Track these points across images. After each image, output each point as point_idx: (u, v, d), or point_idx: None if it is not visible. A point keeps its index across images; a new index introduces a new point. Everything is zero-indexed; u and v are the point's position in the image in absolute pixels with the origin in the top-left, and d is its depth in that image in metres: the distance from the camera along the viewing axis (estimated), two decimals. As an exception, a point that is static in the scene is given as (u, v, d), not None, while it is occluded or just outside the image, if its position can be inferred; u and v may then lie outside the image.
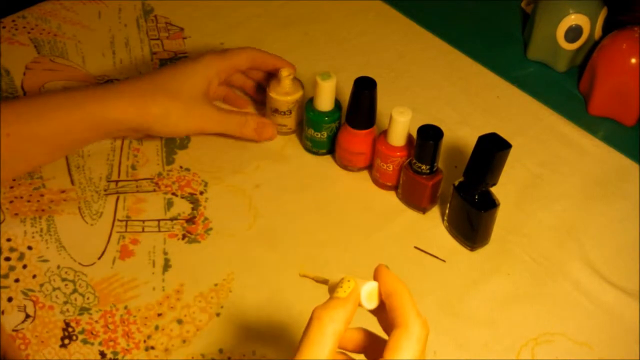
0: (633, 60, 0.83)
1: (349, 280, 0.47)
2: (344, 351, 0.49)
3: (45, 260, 0.69)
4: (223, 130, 0.79)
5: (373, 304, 0.47)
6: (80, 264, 0.69)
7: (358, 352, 0.49)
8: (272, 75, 0.82)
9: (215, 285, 0.68)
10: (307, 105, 0.79)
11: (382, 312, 0.47)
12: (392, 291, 0.46)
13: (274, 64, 0.81)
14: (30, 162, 0.73)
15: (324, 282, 0.50)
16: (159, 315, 0.66)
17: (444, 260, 0.72)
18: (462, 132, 0.84)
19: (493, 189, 0.70)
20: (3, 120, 0.66)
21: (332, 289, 0.48)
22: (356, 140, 0.77)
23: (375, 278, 0.47)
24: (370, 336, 0.49)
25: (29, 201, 0.73)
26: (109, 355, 0.63)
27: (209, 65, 0.77)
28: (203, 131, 0.78)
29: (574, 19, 0.89)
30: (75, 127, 0.71)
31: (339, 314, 0.45)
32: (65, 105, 0.70)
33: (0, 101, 0.71)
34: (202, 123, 0.77)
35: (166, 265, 0.69)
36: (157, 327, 0.65)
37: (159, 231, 0.72)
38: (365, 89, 0.73)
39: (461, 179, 0.71)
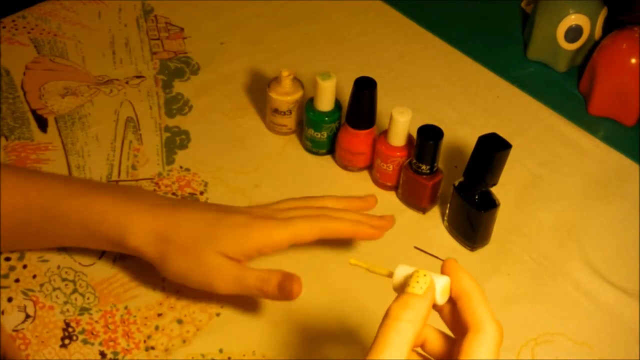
0: (633, 60, 0.83)
1: (425, 275, 0.44)
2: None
3: (45, 261, 0.68)
4: (238, 292, 0.62)
5: (445, 299, 0.45)
6: (80, 264, 0.69)
7: (419, 345, 0.48)
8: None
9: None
10: (307, 105, 0.79)
11: (446, 307, 0.46)
12: (465, 291, 0.44)
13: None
14: (38, 248, 0.69)
15: (389, 275, 0.47)
16: (159, 315, 0.66)
17: (444, 261, 0.72)
18: (462, 132, 0.84)
19: (493, 189, 0.70)
20: (20, 210, 0.62)
21: (402, 283, 0.45)
22: (356, 141, 0.77)
23: (444, 272, 0.45)
24: (435, 333, 0.47)
25: (29, 201, 0.73)
26: (109, 356, 0.63)
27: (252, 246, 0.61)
28: (211, 290, 0.63)
29: (574, 19, 0.89)
30: (88, 240, 0.64)
31: (418, 315, 0.43)
32: (82, 219, 0.62)
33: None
34: (211, 280, 0.61)
35: (166, 265, 0.69)
36: (157, 327, 0.65)
37: (159, 231, 0.72)
38: (365, 89, 0.73)
39: (461, 179, 0.71)
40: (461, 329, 0.44)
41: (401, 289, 0.45)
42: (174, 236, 0.61)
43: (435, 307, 0.46)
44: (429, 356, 0.47)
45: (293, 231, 0.62)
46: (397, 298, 0.44)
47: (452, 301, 0.45)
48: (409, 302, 0.43)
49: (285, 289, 0.60)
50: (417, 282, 0.44)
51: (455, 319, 0.45)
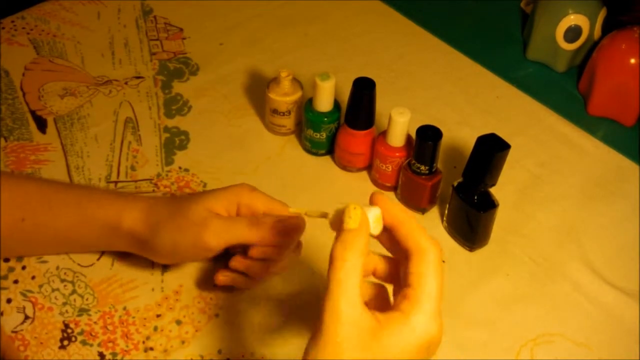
0: (632, 61, 0.83)
1: (355, 208, 0.47)
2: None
3: (44, 262, 0.68)
4: (231, 241, 0.61)
5: (379, 229, 0.48)
6: (79, 264, 0.69)
7: (369, 275, 0.52)
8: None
9: (214, 286, 0.68)
10: (306, 105, 0.79)
11: (384, 235, 0.49)
12: (398, 220, 0.48)
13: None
14: (36, 250, 0.69)
15: (323, 215, 0.50)
16: (158, 316, 0.66)
17: (443, 261, 0.72)
18: (461, 133, 0.84)
19: (492, 190, 0.70)
20: (17, 206, 0.63)
21: (337, 220, 0.48)
22: (355, 141, 0.77)
23: (373, 204, 0.49)
24: (381, 260, 0.51)
25: (28, 202, 0.73)
26: (108, 357, 0.62)
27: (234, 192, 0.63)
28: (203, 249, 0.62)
29: (573, 19, 0.89)
30: (85, 228, 0.65)
31: (357, 247, 0.46)
32: (80, 204, 0.64)
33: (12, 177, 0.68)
34: (202, 235, 0.61)
35: (165, 266, 0.69)
36: (156, 328, 0.65)
37: (158, 232, 0.72)
38: (364, 89, 0.73)
39: (460, 180, 0.71)
40: (402, 253, 0.48)
41: (337, 226, 0.47)
42: (162, 206, 0.63)
43: (374, 237, 0.49)
44: (381, 282, 0.52)
45: (273, 201, 0.63)
46: (337, 237, 0.47)
47: (387, 230, 0.49)
48: (348, 239, 0.46)
49: (285, 228, 0.61)
50: (350, 217, 0.47)
51: (395, 245, 0.49)
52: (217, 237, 0.61)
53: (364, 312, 0.45)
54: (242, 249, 0.64)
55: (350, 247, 0.46)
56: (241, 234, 0.61)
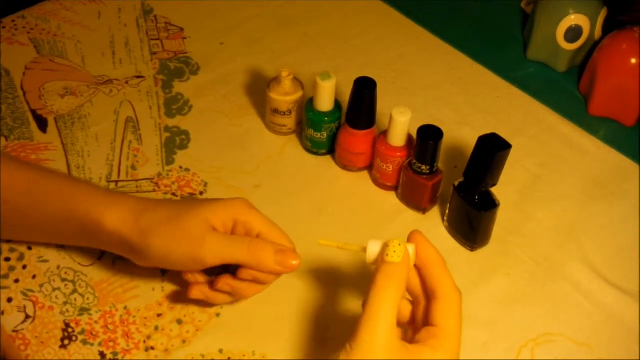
0: (633, 61, 0.83)
1: (400, 244, 0.51)
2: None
3: (45, 261, 0.69)
4: (227, 259, 0.60)
5: (411, 265, 0.53)
6: (80, 264, 0.69)
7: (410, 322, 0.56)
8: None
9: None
10: (307, 105, 0.79)
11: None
12: (430, 259, 0.52)
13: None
14: (19, 236, 0.68)
15: (362, 250, 0.54)
16: (159, 315, 0.66)
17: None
18: (462, 133, 0.84)
19: (493, 189, 0.70)
20: (3, 187, 0.62)
21: (377, 255, 0.52)
22: (356, 141, 0.77)
23: (410, 241, 0.53)
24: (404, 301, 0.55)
25: (28, 201, 0.73)
26: (109, 356, 0.63)
27: (230, 205, 0.62)
28: (197, 262, 0.60)
29: (573, 19, 0.89)
30: (65, 220, 0.63)
31: (400, 281, 0.50)
32: (62, 195, 0.63)
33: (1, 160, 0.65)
34: (199, 249, 0.59)
35: (166, 266, 0.69)
36: (156, 328, 0.65)
37: (159, 231, 0.72)
38: (365, 89, 0.73)
39: (461, 180, 0.71)
40: (425, 291, 0.53)
41: (378, 260, 0.52)
42: (156, 210, 0.61)
43: None
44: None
45: (270, 224, 0.63)
46: (379, 269, 0.51)
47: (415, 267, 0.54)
48: (392, 271, 0.50)
49: (283, 263, 0.60)
50: (395, 251, 0.51)
51: (415, 284, 0.54)
52: (214, 254, 0.59)
53: (397, 340, 0.49)
54: (225, 268, 0.62)
55: (393, 278, 0.50)
56: (240, 256, 0.60)
